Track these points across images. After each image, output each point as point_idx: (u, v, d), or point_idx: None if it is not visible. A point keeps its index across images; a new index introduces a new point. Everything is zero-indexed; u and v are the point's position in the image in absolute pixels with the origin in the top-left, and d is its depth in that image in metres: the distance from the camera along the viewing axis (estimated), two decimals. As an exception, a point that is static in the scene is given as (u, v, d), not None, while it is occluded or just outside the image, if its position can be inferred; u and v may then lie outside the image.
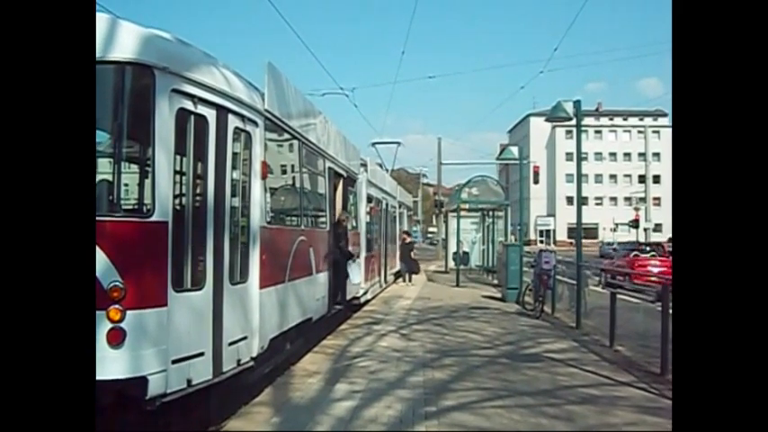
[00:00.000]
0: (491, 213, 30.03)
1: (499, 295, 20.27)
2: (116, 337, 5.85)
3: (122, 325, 5.86)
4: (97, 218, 6.27)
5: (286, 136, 9.89)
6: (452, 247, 28.97)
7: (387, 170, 28.88)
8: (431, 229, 79.25)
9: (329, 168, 12.85)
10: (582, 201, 15.04)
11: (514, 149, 26.75)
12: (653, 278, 18.45)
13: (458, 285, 24.08)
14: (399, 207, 28.56)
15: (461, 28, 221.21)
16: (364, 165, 18.12)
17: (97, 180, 6.95)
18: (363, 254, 17.13)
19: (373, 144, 30.90)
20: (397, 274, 27.23)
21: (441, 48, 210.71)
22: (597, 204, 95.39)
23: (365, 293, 17.60)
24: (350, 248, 14.68)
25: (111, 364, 5.90)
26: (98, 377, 5.81)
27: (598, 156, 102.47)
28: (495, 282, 24.77)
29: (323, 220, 12.45)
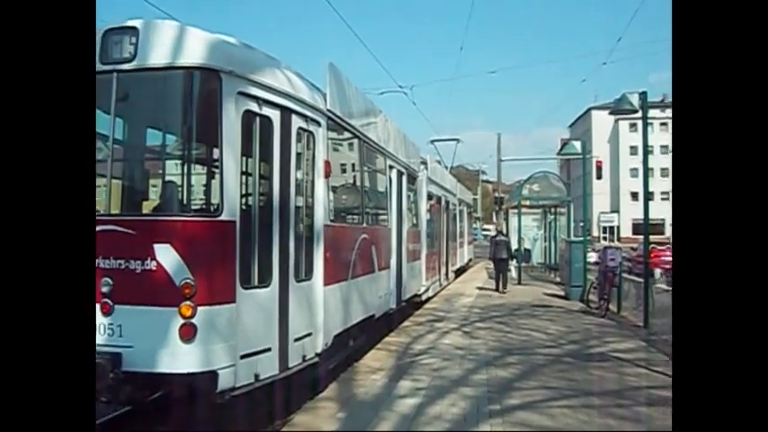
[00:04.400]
0: (553, 210, 29.67)
1: (562, 293, 20.08)
2: (188, 333, 6.07)
3: (194, 321, 6.08)
4: (168, 218, 6.55)
5: (348, 135, 10.01)
6: (513, 245, 28.73)
7: (446, 167, 28.81)
8: (486, 227, 78.60)
9: (390, 166, 12.93)
10: (648, 196, 14.66)
11: (577, 144, 26.26)
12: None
13: (519, 283, 23.91)
14: (459, 204, 28.47)
15: (521, 21, 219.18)
16: (424, 162, 18.13)
17: (167, 180, 7.22)
18: (424, 251, 17.17)
19: (432, 141, 30.94)
20: (459, 272, 27.12)
21: (500, 42, 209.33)
22: (664, 199, 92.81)
23: (426, 291, 17.63)
24: (410, 246, 14.77)
25: (183, 359, 6.13)
26: (171, 370, 6.10)
27: (664, 149, 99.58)
28: (558, 279, 24.53)
29: (384, 218, 12.54)
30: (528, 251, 30.51)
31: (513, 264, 24.84)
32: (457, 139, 32.04)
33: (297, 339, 7.54)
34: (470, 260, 36.52)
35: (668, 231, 51.90)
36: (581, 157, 25.22)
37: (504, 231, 26.23)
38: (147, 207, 7.25)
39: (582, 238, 22.04)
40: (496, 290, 21.09)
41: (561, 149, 38.20)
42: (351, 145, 10.25)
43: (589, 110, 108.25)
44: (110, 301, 6.25)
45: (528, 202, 29.26)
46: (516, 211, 28.02)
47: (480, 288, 22.88)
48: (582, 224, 33.26)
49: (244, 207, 6.89)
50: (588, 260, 20.02)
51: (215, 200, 6.61)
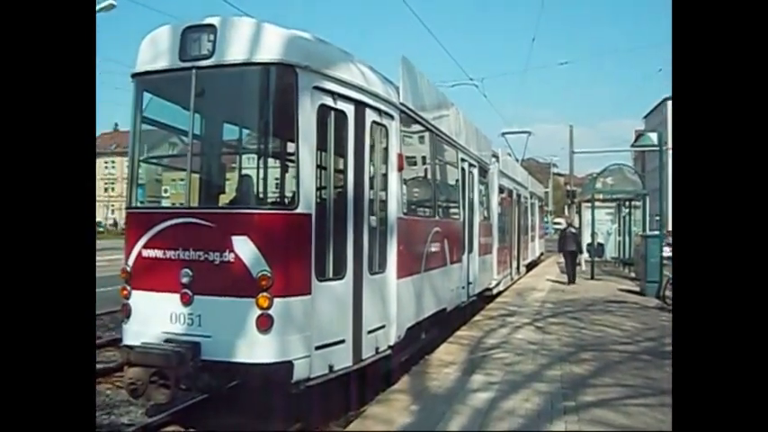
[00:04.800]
0: (627, 203, 29.04)
1: (637, 289, 19.63)
2: (264, 323, 6.20)
3: (270, 312, 6.20)
4: (247, 210, 6.70)
5: (420, 128, 10.00)
6: (586, 239, 28.28)
7: (517, 160, 28.53)
8: (557, 220, 77.48)
9: (461, 159, 12.88)
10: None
11: (653, 135, 25.59)
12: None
13: (592, 278, 23.49)
14: (531, 197, 28.18)
15: (593, 10, 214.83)
16: (496, 155, 18.01)
17: (243, 174, 7.38)
18: (496, 245, 17.06)
19: (503, 134, 30.65)
20: (530, 266, 26.85)
21: (572, 32, 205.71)
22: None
23: (497, 285, 17.53)
24: (481, 240, 14.72)
25: (259, 349, 6.27)
26: (247, 360, 6.24)
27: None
28: (633, 275, 24.00)
29: (456, 211, 12.50)
30: (601, 245, 29.95)
31: (583, 257, 25.41)
32: (528, 132, 31.71)
33: (370, 332, 7.61)
34: (542, 254, 36.12)
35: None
36: (657, 148, 24.59)
37: (575, 224, 26.12)
38: (224, 200, 7.42)
39: (658, 233, 21.52)
40: (568, 282, 21.49)
41: (636, 141, 37.24)
42: (423, 138, 10.25)
43: (665, 100, 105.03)
44: (189, 292, 6.44)
45: (601, 196, 28.73)
46: (589, 204, 27.54)
47: (552, 281, 22.65)
48: (658, 218, 32.48)
49: (319, 200, 6.97)
50: (664, 255, 19.50)
51: (291, 193, 6.71)
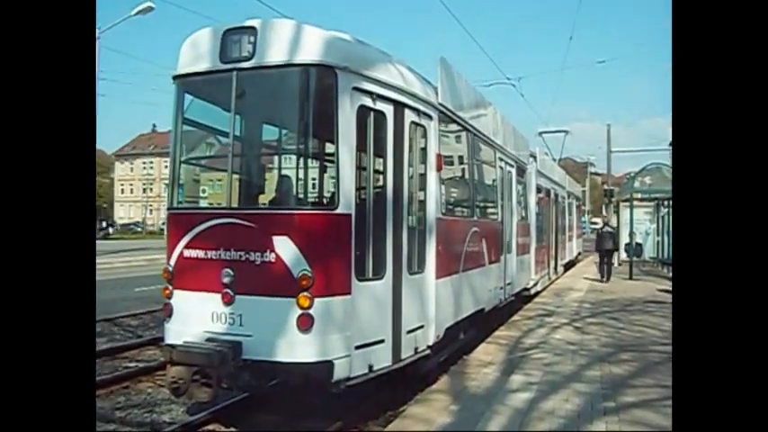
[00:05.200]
0: (666, 203, 28.68)
1: (677, 289, 19.34)
2: (305, 323, 6.24)
3: (311, 311, 6.24)
4: (287, 211, 6.75)
5: (458, 128, 9.99)
6: (624, 239, 27.98)
7: (554, 159, 28.35)
8: (594, 219, 76.79)
9: (499, 158, 12.83)
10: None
11: (691, 134, 25.32)
12: None
13: (631, 278, 23.26)
14: (568, 197, 27.98)
15: (630, 7, 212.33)
16: (533, 155, 17.91)
17: (283, 174, 7.44)
18: (533, 245, 16.96)
19: (540, 133, 30.50)
20: (568, 266, 26.65)
21: (609, 30, 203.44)
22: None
23: (535, 285, 17.43)
24: (519, 240, 14.66)
25: (300, 348, 6.31)
26: (288, 359, 6.29)
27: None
28: (672, 275, 23.68)
29: (494, 211, 12.45)
30: (639, 245, 29.68)
31: (619, 255, 26.73)
32: (566, 131, 31.54)
33: (409, 331, 7.61)
34: (579, 254, 35.81)
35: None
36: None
37: (613, 224, 26.96)
38: (263, 200, 7.48)
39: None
40: (601, 280, 22.34)
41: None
42: (462, 138, 10.23)
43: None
44: (231, 292, 6.50)
45: (639, 195, 28.42)
46: (627, 204, 27.24)
47: (590, 280, 22.51)
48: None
49: (358, 200, 6.99)
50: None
51: (331, 193, 6.75)
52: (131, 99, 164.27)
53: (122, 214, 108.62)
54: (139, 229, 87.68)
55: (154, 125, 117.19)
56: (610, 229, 23.47)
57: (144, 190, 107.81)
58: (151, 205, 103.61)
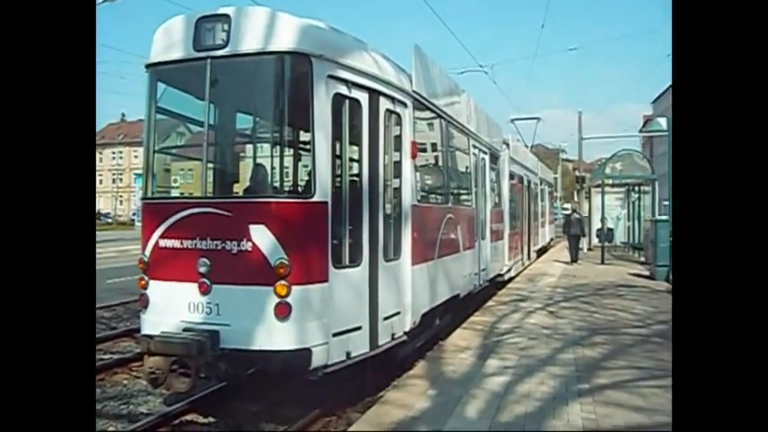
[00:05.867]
0: (636, 188, 29.03)
1: (647, 273, 19.68)
2: (283, 311, 6.25)
3: (288, 300, 6.25)
4: (263, 200, 6.73)
5: (433, 116, 10.02)
6: (596, 224, 28.31)
7: (526, 146, 28.54)
8: (566, 206, 77.47)
9: (473, 146, 12.90)
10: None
11: (662, 121, 25.58)
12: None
13: (602, 263, 23.55)
14: (541, 184, 28.21)
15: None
16: (506, 142, 18.02)
17: (259, 163, 7.42)
18: (507, 231, 17.08)
19: (512, 120, 30.65)
20: (540, 252, 26.88)
21: (581, 18, 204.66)
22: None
23: (509, 270, 17.57)
24: (493, 226, 14.77)
25: (277, 336, 6.32)
26: (266, 348, 6.30)
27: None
28: (642, 259, 24.07)
29: (468, 198, 12.52)
30: (611, 231, 30.02)
31: (585, 240, 28.16)
32: (537, 118, 31.74)
33: (386, 318, 7.65)
34: (552, 240, 36.12)
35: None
36: (666, 133, 24.50)
37: (580, 210, 28.48)
38: (239, 189, 7.46)
39: (667, 217, 21.52)
40: (571, 261, 23.97)
41: (644, 126, 37.05)
42: (436, 125, 10.26)
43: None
44: (207, 281, 6.48)
45: (611, 181, 28.73)
46: (599, 190, 27.52)
47: (563, 265, 22.85)
48: (667, 203, 32.37)
49: (334, 188, 6.97)
50: (674, 239, 19.47)
51: (307, 182, 6.75)
52: (100, 88, 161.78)
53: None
54: (110, 221, 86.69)
55: (123, 114, 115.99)
56: (577, 216, 25.38)
57: (113, 180, 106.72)
58: (121, 196, 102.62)
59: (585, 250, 27.33)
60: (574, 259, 24.14)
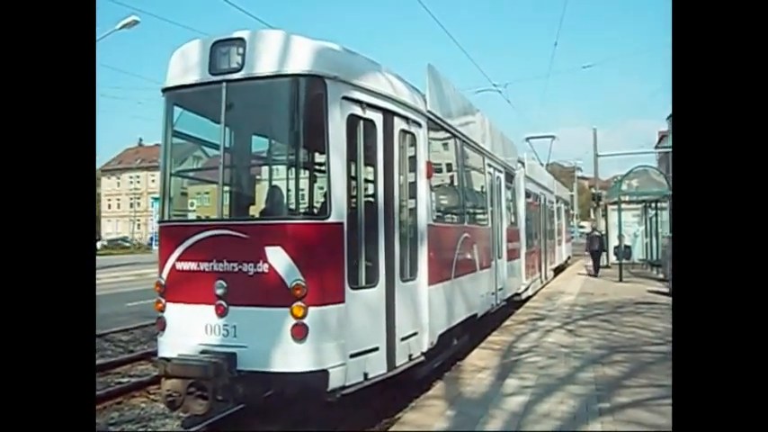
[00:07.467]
0: (654, 205, 28.85)
1: (666, 290, 19.45)
2: (299, 333, 6.23)
3: (305, 321, 6.24)
4: (279, 221, 6.76)
5: (447, 135, 10.03)
6: (613, 241, 28.18)
7: (541, 164, 28.49)
8: (582, 224, 77.05)
9: (488, 165, 12.89)
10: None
11: (677, 136, 25.51)
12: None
13: (621, 280, 23.35)
14: (557, 202, 28.11)
15: (615, 12, 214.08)
16: (521, 161, 17.99)
17: (275, 185, 7.45)
18: (524, 250, 17.02)
19: (527, 139, 30.69)
20: (557, 270, 26.74)
21: (594, 35, 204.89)
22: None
23: (526, 289, 17.47)
24: (509, 245, 14.73)
25: (294, 358, 6.30)
26: (283, 369, 6.28)
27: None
28: (661, 276, 23.84)
29: (484, 217, 12.49)
30: (628, 248, 29.80)
31: (611, 258, 29.97)
32: (552, 136, 31.76)
33: (403, 339, 7.62)
34: (569, 258, 35.93)
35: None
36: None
37: (600, 228, 30.32)
38: (255, 211, 7.48)
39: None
40: (594, 274, 26.63)
41: (659, 142, 36.96)
42: (451, 145, 10.27)
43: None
44: (224, 303, 6.49)
45: (627, 198, 28.60)
46: (615, 207, 27.40)
47: (581, 277, 22.71)
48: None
49: (350, 209, 6.99)
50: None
51: (322, 203, 6.76)
52: (117, 113, 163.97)
53: (110, 230, 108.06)
54: (128, 244, 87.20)
55: (140, 139, 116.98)
56: (597, 233, 28.64)
57: (131, 204, 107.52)
58: (139, 220, 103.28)
59: (603, 267, 28.03)
60: (595, 272, 26.59)
